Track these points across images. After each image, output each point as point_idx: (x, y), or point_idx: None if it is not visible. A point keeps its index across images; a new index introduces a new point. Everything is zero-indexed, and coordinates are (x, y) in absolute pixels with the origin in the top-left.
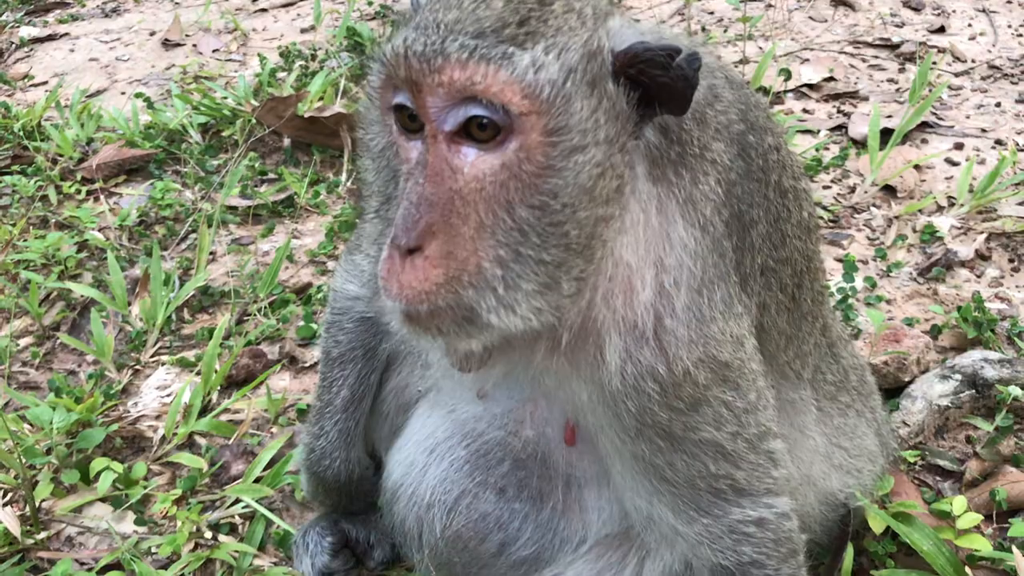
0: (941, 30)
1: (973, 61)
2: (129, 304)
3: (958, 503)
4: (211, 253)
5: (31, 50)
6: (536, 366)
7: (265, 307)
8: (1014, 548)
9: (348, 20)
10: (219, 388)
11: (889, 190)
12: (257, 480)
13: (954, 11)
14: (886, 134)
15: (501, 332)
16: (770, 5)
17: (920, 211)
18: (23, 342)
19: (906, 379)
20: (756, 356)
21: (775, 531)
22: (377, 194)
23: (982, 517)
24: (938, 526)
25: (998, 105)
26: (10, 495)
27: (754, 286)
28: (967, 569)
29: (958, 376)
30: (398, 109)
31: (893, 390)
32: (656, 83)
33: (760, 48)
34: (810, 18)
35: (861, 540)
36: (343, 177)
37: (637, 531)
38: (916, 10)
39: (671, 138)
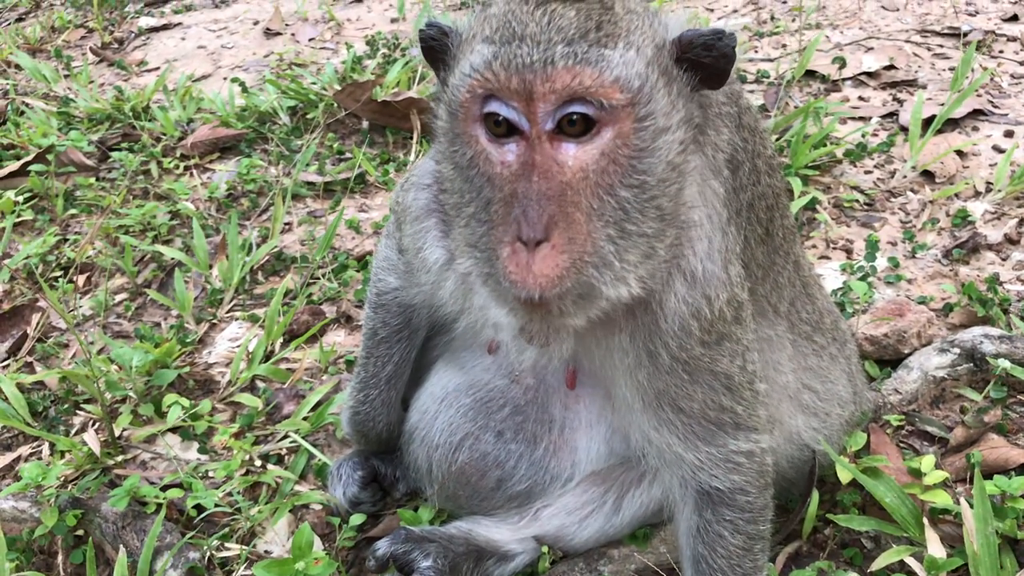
0: (1015, 18)
1: None
2: (210, 266)
3: (927, 461)
4: (287, 223)
5: (147, 38)
6: (605, 331)
7: (329, 272)
8: (962, 500)
9: (428, 9)
10: (281, 340)
11: (929, 176)
12: (305, 419)
13: None
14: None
15: (612, 304)
16: None
17: (956, 196)
18: (119, 297)
19: (905, 351)
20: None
21: (759, 463)
22: (472, 201)
23: (948, 475)
24: (908, 483)
25: None
26: (98, 424)
27: (741, 223)
28: (924, 520)
29: (957, 350)
30: (489, 118)
31: (893, 361)
32: (702, 63)
33: (827, 37)
34: (883, 7)
35: (834, 489)
36: (412, 157)
37: (621, 468)
38: None
39: (701, 104)
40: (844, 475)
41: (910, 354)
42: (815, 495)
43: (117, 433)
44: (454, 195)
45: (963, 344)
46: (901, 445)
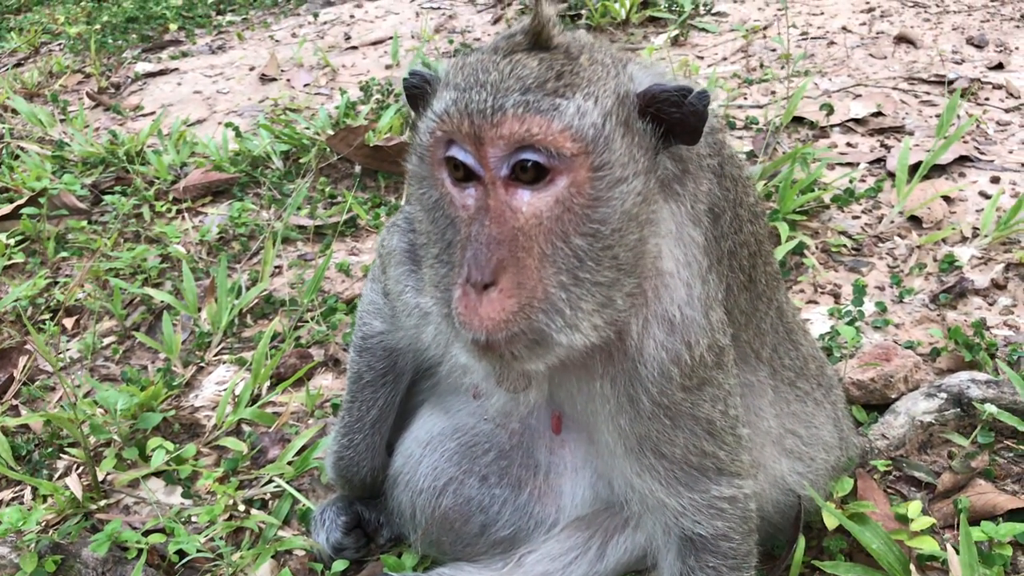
0: (1000, 67)
1: None
2: (199, 309)
3: (913, 507)
4: (277, 267)
5: (144, 83)
6: (583, 376)
7: (318, 315)
8: (948, 547)
9: (421, 56)
10: (268, 384)
11: (916, 221)
12: (290, 464)
13: (1017, 48)
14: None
15: (566, 350)
16: (832, 43)
17: (943, 241)
18: (107, 340)
19: (892, 396)
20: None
21: (743, 509)
22: (436, 242)
23: (934, 520)
24: (895, 529)
25: None
26: (81, 468)
27: (722, 270)
28: (911, 566)
29: (944, 395)
30: (449, 162)
31: (880, 406)
32: (671, 118)
33: (816, 84)
34: (870, 55)
35: (821, 535)
36: (403, 201)
37: (605, 513)
38: (979, 47)
39: (678, 157)
40: (831, 521)
41: (897, 399)
42: (801, 541)
43: (101, 477)
44: (422, 236)
45: (950, 389)
46: (888, 491)
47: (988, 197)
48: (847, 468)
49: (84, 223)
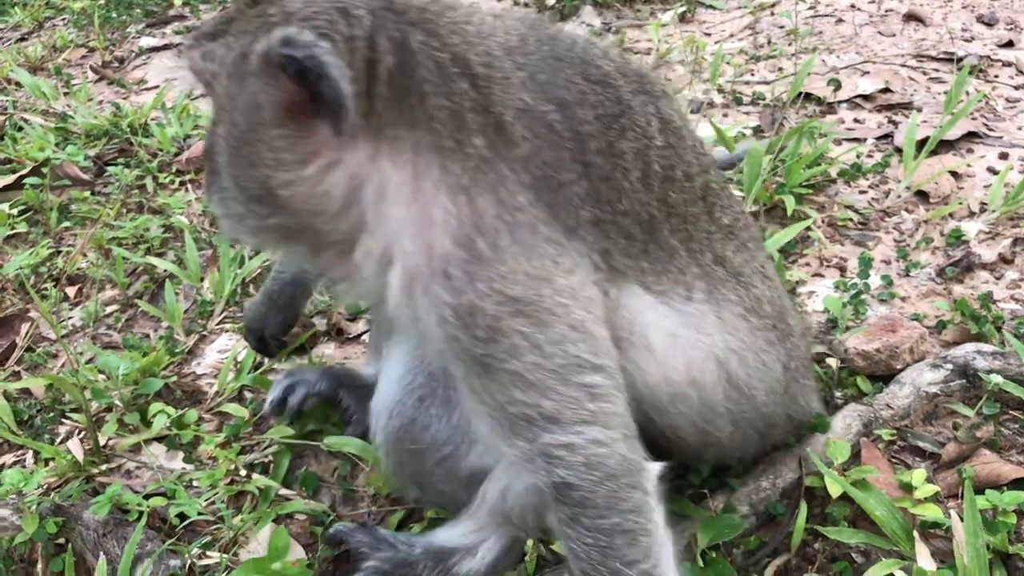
0: (1010, 44)
1: None
2: (202, 279)
3: (918, 475)
4: None
5: (148, 58)
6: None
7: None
8: (953, 513)
9: None
10: None
11: (923, 196)
12: (290, 427)
13: None
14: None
15: (232, 234)
16: (840, 20)
17: (951, 216)
18: (109, 309)
19: (898, 367)
20: (576, 293)
21: (585, 455)
22: None
23: (938, 488)
24: (899, 496)
25: None
26: (83, 433)
27: (585, 236)
28: (915, 533)
29: (949, 366)
30: None
31: (885, 377)
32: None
33: (823, 61)
34: (879, 32)
35: (823, 502)
36: None
37: None
38: (989, 25)
39: (411, 110)
40: (834, 488)
41: (902, 370)
42: (803, 507)
43: (102, 442)
44: None
45: (956, 360)
46: (893, 460)
47: (996, 173)
48: (786, 428)
49: (87, 194)
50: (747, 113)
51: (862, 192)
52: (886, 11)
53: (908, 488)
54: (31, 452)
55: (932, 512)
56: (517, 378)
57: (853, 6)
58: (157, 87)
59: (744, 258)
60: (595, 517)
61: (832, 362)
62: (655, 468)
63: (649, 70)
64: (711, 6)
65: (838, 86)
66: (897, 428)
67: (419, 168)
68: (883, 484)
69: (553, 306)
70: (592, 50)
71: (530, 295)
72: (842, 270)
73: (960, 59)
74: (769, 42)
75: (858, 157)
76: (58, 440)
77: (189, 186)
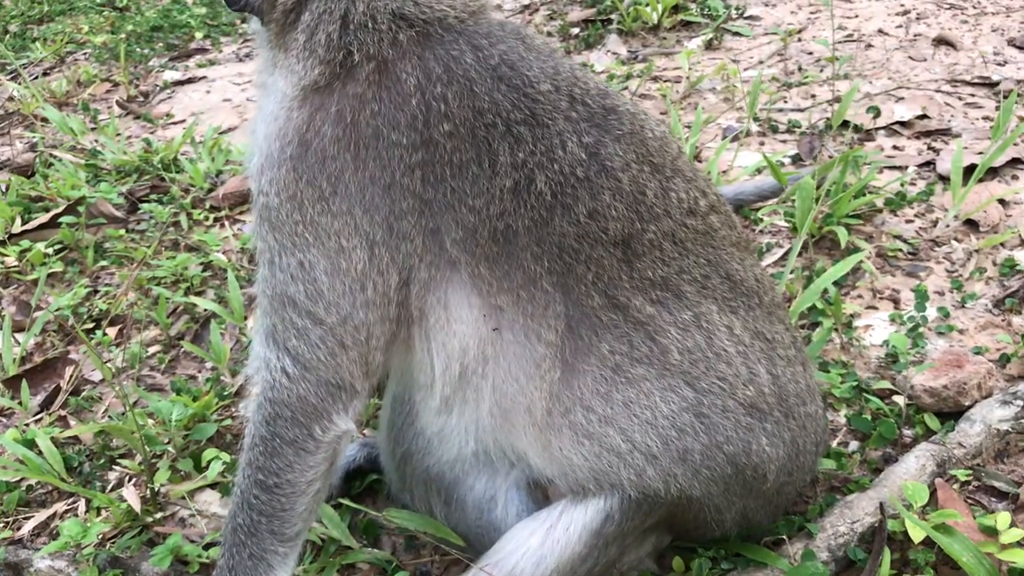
0: None
1: None
2: (245, 318)
3: (1002, 519)
4: None
5: (172, 92)
6: None
7: None
8: None
9: None
10: None
11: (972, 225)
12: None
13: None
14: (973, 170)
15: None
16: (870, 45)
17: (1002, 245)
18: (152, 350)
19: (966, 403)
20: (330, 234)
21: (272, 376)
22: None
23: None
24: (983, 540)
25: None
26: (134, 479)
27: (400, 198)
28: None
29: (1020, 402)
30: None
31: (952, 414)
32: None
33: (857, 88)
34: (909, 57)
35: (904, 547)
36: None
37: None
38: (1020, 48)
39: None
40: (916, 533)
41: (971, 406)
42: (886, 553)
43: (156, 488)
44: None
45: None
46: (968, 501)
47: None
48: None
49: (122, 231)
50: (784, 141)
51: (908, 221)
52: (915, 35)
53: (991, 532)
54: (83, 500)
55: (1020, 558)
56: (262, 284)
57: (881, 31)
58: (184, 121)
59: (674, 310)
60: (257, 423)
61: (899, 400)
62: (342, 426)
63: (637, 110)
64: (738, 33)
65: (877, 113)
66: (970, 467)
67: (291, 81)
68: (965, 528)
69: (298, 236)
70: (563, 72)
71: (293, 216)
72: (895, 302)
73: (995, 84)
74: (800, 68)
75: (902, 186)
76: (109, 487)
77: (225, 222)
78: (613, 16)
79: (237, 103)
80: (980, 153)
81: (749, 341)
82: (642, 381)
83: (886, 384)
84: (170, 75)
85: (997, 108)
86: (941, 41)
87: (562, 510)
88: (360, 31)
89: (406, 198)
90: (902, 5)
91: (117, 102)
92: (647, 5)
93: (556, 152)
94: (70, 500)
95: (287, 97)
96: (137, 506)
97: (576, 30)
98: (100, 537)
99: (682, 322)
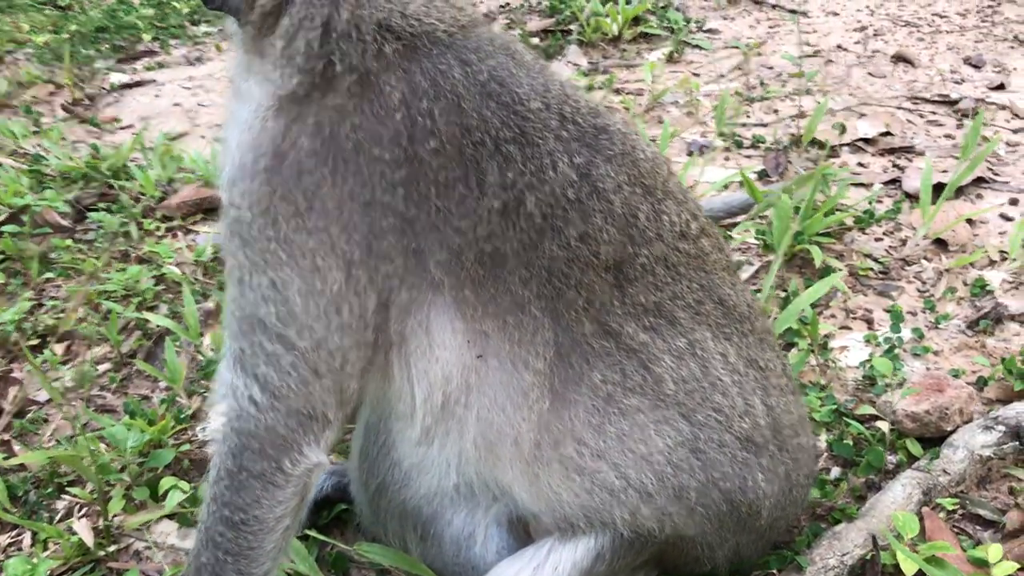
0: (1000, 87)
1: None
2: (201, 335)
3: (993, 551)
4: None
5: (120, 95)
6: None
7: None
8: None
9: None
10: None
11: (941, 244)
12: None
13: (1015, 69)
14: (940, 188)
15: None
16: (829, 61)
17: (971, 265)
18: (102, 368)
19: (948, 428)
20: (304, 253)
21: (240, 404)
22: None
23: (1018, 566)
24: (973, 573)
25: None
26: (85, 509)
27: (380, 216)
28: None
29: (1001, 427)
30: None
31: (934, 439)
32: None
33: (818, 103)
34: (869, 74)
35: None
36: None
37: None
38: (976, 67)
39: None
40: (908, 566)
41: (952, 431)
42: None
43: (110, 518)
44: None
45: (1007, 421)
46: (954, 529)
47: (1009, 219)
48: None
49: (69, 242)
50: (748, 156)
51: (878, 240)
52: (873, 52)
53: (981, 563)
54: (29, 533)
55: None
56: (231, 304)
57: (840, 47)
58: (132, 126)
59: (674, 336)
60: (223, 455)
61: (882, 425)
62: (313, 459)
63: (628, 129)
64: (698, 46)
65: (843, 130)
66: (955, 495)
67: (266, 89)
68: (955, 560)
69: (271, 254)
70: (554, 90)
71: (265, 232)
72: (868, 322)
73: (955, 102)
74: (762, 83)
75: (870, 204)
76: (57, 518)
77: (179, 233)
78: (573, 27)
79: (188, 108)
80: (944, 171)
81: (743, 370)
82: (636, 413)
83: (867, 409)
84: (117, 78)
85: (958, 126)
86: (899, 58)
87: (550, 548)
88: (343, 41)
89: (387, 216)
90: (859, 22)
91: (62, 105)
92: (607, 16)
93: (546, 172)
94: (14, 532)
95: (262, 107)
96: (89, 539)
97: (536, 40)
98: (49, 574)
99: (676, 350)
